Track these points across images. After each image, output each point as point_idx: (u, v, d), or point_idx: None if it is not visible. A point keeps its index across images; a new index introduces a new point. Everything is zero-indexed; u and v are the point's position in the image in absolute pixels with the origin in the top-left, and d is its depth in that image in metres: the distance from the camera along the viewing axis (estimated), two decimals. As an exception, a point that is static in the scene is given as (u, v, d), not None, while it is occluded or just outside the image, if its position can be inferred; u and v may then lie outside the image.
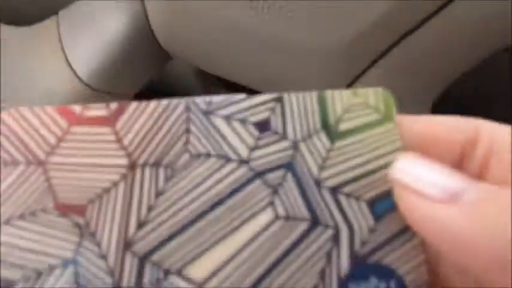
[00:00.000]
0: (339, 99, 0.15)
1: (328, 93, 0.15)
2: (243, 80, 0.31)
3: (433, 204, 0.12)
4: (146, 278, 0.13)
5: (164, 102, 0.15)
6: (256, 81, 0.30)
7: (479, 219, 0.11)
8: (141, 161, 0.14)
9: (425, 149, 0.14)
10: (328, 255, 0.13)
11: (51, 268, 0.13)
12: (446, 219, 0.12)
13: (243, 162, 0.14)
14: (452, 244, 0.12)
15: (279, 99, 0.15)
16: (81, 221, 0.14)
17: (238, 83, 0.31)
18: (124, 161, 0.14)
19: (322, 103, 0.15)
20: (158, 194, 0.14)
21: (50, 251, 0.13)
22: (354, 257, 0.14)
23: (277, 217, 0.14)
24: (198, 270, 0.13)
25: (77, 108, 0.15)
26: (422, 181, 0.13)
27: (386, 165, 0.14)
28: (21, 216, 0.14)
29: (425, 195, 0.12)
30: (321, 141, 0.15)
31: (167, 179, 0.14)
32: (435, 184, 0.12)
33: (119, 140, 0.14)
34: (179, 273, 0.13)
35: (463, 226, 0.12)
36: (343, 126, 0.15)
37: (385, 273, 0.13)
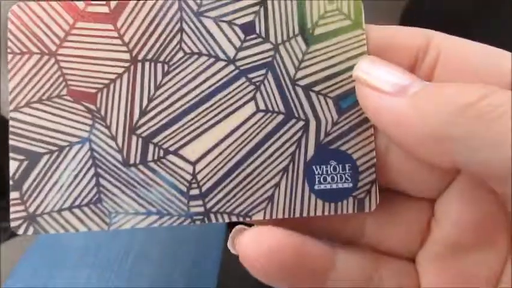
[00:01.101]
0: (316, 5, 0.17)
1: (307, 0, 0.17)
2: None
3: (385, 96, 0.15)
4: (149, 156, 0.16)
5: (159, 1, 0.16)
6: None
7: (420, 106, 0.14)
8: (140, 56, 0.16)
9: (385, 54, 0.17)
10: (298, 143, 0.17)
11: (71, 145, 0.16)
12: (394, 107, 0.15)
13: (230, 61, 0.17)
14: (398, 130, 0.15)
15: (263, 3, 0.17)
16: (92, 106, 0.16)
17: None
18: (126, 56, 0.16)
19: (300, 9, 0.17)
20: (157, 87, 0.16)
21: (68, 131, 0.16)
22: (318, 144, 0.17)
23: (258, 110, 0.17)
24: (192, 152, 0.16)
25: (80, 4, 0.16)
26: (377, 78, 0.15)
27: (352, 68, 0.17)
28: (40, 100, 0.16)
29: (379, 90, 0.15)
30: (298, 44, 0.17)
31: (164, 73, 0.16)
32: (388, 81, 0.15)
33: (120, 36, 0.16)
34: (176, 153, 0.16)
35: (407, 112, 0.14)
36: (318, 31, 0.17)
37: (342, 157, 0.17)
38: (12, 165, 0.16)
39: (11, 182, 0.16)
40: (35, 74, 0.16)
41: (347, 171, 0.17)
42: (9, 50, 0.16)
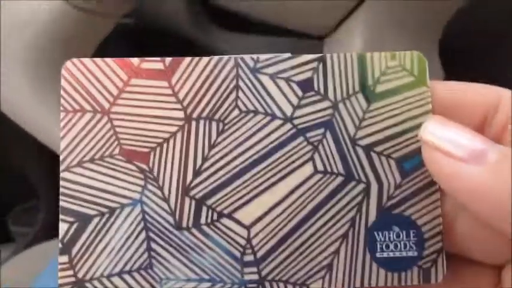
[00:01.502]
0: (378, 61, 0.16)
1: (368, 56, 0.16)
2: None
3: (459, 163, 0.14)
4: (202, 219, 0.15)
5: (215, 58, 0.16)
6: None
7: (503, 177, 0.13)
8: (195, 114, 0.16)
9: (452, 112, 0.16)
10: (359, 207, 0.16)
11: (122, 206, 0.15)
12: (472, 177, 0.14)
13: (287, 119, 0.16)
14: (476, 198, 0.14)
15: (322, 59, 0.16)
16: (144, 166, 0.16)
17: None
18: (180, 114, 0.16)
19: (361, 65, 0.16)
20: (211, 146, 0.16)
21: (120, 192, 0.15)
22: (380, 209, 0.16)
23: (316, 171, 0.16)
24: (246, 215, 0.15)
25: (134, 61, 0.16)
26: (449, 142, 0.14)
27: (416, 127, 0.16)
28: (92, 160, 0.16)
29: (452, 155, 0.14)
30: (359, 102, 0.16)
31: (219, 132, 0.16)
32: (461, 145, 0.14)
33: (174, 94, 0.16)
34: (230, 216, 0.15)
35: (487, 183, 0.13)
36: (380, 88, 0.16)
37: (406, 223, 0.16)
38: (62, 228, 0.15)
39: (60, 245, 0.15)
40: (88, 133, 0.16)
41: (411, 238, 0.16)
42: (62, 108, 0.16)
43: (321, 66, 0.16)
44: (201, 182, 0.16)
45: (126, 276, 0.15)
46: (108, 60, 0.16)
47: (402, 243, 0.16)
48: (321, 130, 0.16)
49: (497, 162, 0.13)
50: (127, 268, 0.15)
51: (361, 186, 0.16)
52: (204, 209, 0.15)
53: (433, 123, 0.15)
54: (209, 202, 0.16)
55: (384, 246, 0.16)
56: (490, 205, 0.13)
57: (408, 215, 0.16)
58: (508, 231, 0.13)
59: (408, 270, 0.15)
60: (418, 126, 0.16)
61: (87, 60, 0.16)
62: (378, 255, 0.15)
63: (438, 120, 0.15)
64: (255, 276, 0.15)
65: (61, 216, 0.15)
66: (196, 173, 0.16)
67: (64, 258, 0.15)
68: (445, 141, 0.14)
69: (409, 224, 0.16)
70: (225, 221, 0.15)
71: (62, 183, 0.15)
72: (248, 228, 0.15)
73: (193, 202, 0.16)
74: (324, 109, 0.16)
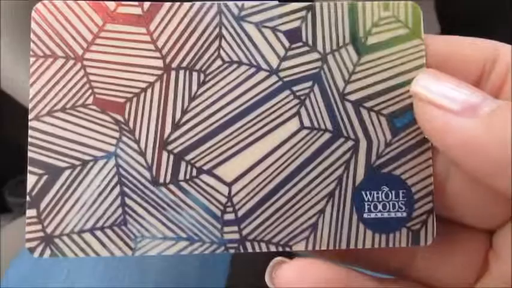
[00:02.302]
0: (370, 12, 0.15)
1: (359, 5, 0.15)
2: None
3: (453, 116, 0.13)
4: (181, 175, 0.15)
5: (197, 4, 0.15)
6: None
7: (496, 129, 0.12)
8: (174, 64, 0.15)
9: (447, 67, 0.15)
10: (347, 165, 0.15)
11: (96, 159, 0.14)
12: (464, 130, 0.13)
13: (273, 71, 0.15)
14: (469, 153, 0.13)
15: (311, 8, 0.15)
16: (120, 118, 0.15)
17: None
18: (158, 63, 0.15)
19: (352, 15, 0.15)
20: (191, 98, 0.15)
21: (93, 144, 0.14)
22: (369, 167, 0.15)
23: (302, 127, 0.15)
24: (228, 171, 0.15)
25: (110, 5, 0.15)
26: (443, 96, 0.14)
27: (409, 82, 0.15)
28: (63, 109, 0.15)
29: (445, 108, 0.13)
30: (349, 54, 0.15)
31: (200, 83, 0.15)
32: (455, 98, 0.13)
33: (153, 41, 0.15)
34: (210, 172, 0.15)
35: (481, 135, 0.13)
36: (372, 40, 0.15)
37: (396, 183, 0.15)
38: (30, 180, 0.14)
39: (27, 199, 0.14)
40: (59, 80, 0.15)
41: (400, 198, 0.15)
42: (31, 53, 0.15)
43: (309, 15, 0.15)
44: (180, 136, 0.15)
45: (98, 233, 0.14)
46: (82, 2, 0.15)
47: (391, 203, 0.15)
48: (309, 83, 0.15)
49: (490, 114, 0.13)
50: (99, 224, 0.14)
51: (349, 144, 0.15)
52: (183, 164, 0.15)
53: (426, 76, 0.14)
54: (188, 157, 0.15)
55: (371, 206, 0.15)
56: (483, 159, 0.13)
57: (398, 175, 0.15)
58: (501, 187, 0.13)
59: (396, 231, 0.15)
60: (411, 81, 0.15)
61: (59, 3, 0.15)
62: (365, 215, 0.15)
63: (431, 74, 0.14)
64: (236, 236, 0.14)
65: (29, 168, 0.14)
66: (175, 126, 0.15)
67: (32, 212, 0.14)
68: (438, 94, 0.14)
69: (398, 183, 0.15)
70: (205, 177, 0.15)
71: (30, 132, 0.14)
72: (229, 185, 0.15)
73: (171, 157, 0.15)
74: (312, 61, 0.15)
